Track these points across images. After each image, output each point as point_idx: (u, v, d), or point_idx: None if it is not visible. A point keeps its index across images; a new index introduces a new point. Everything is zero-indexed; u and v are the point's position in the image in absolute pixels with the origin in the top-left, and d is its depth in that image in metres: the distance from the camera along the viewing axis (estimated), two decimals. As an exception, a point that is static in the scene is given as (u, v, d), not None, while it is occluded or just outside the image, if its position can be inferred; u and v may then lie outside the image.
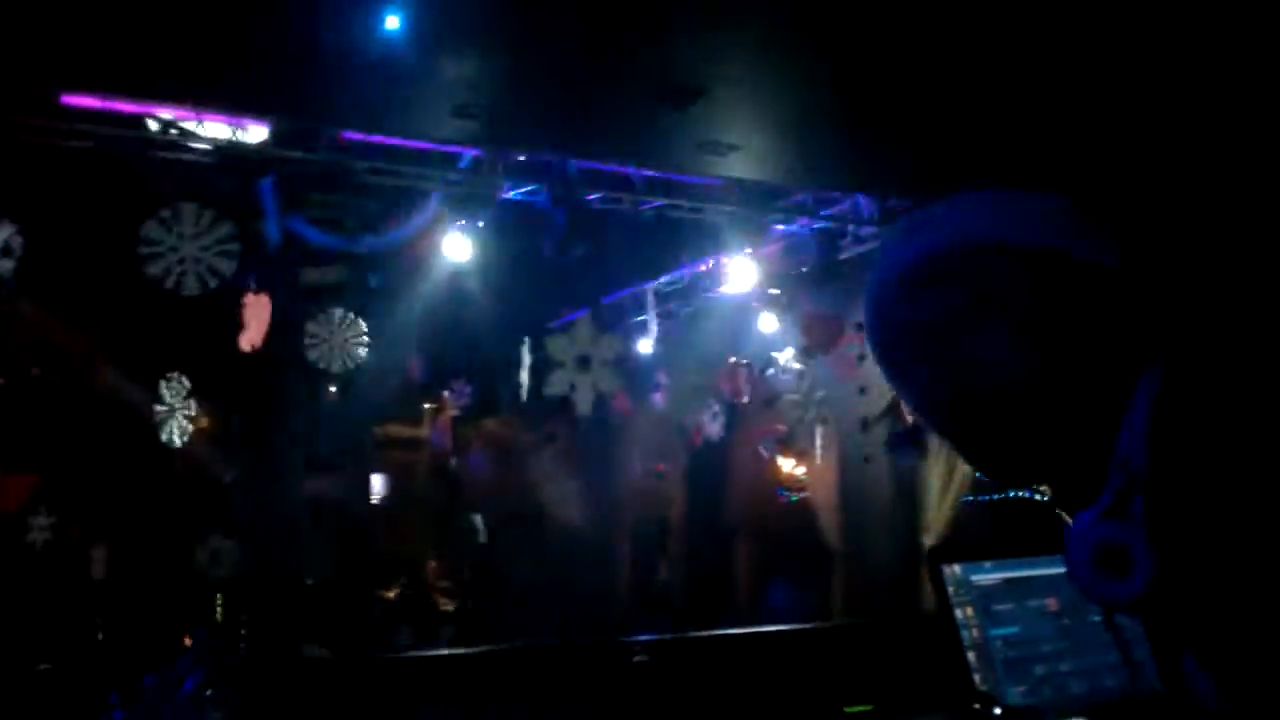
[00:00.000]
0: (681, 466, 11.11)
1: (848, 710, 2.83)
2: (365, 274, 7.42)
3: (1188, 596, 1.18)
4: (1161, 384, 1.18)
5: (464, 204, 7.19)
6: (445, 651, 6.67)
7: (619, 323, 8.89)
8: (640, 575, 11.06)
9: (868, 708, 2.84)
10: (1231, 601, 1.17)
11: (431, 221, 7.18)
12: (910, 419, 7.82)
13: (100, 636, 7.13)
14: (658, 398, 8.59)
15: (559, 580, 9.96)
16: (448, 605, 9.89)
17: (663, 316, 9.12)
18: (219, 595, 8.17)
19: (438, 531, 10.76)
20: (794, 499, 10.07)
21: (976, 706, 2.97)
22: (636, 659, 3.31)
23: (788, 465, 10.65)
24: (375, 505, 10.61)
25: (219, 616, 8.17)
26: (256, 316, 6.68)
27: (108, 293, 7.06)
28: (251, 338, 6.68)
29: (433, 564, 10.26)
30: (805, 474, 10.48)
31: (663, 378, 8.39)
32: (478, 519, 10.59)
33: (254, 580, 8.28)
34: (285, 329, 6.93)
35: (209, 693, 2.16)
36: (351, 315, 7.10)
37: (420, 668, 4.17)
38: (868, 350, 1.52)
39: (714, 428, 9.17)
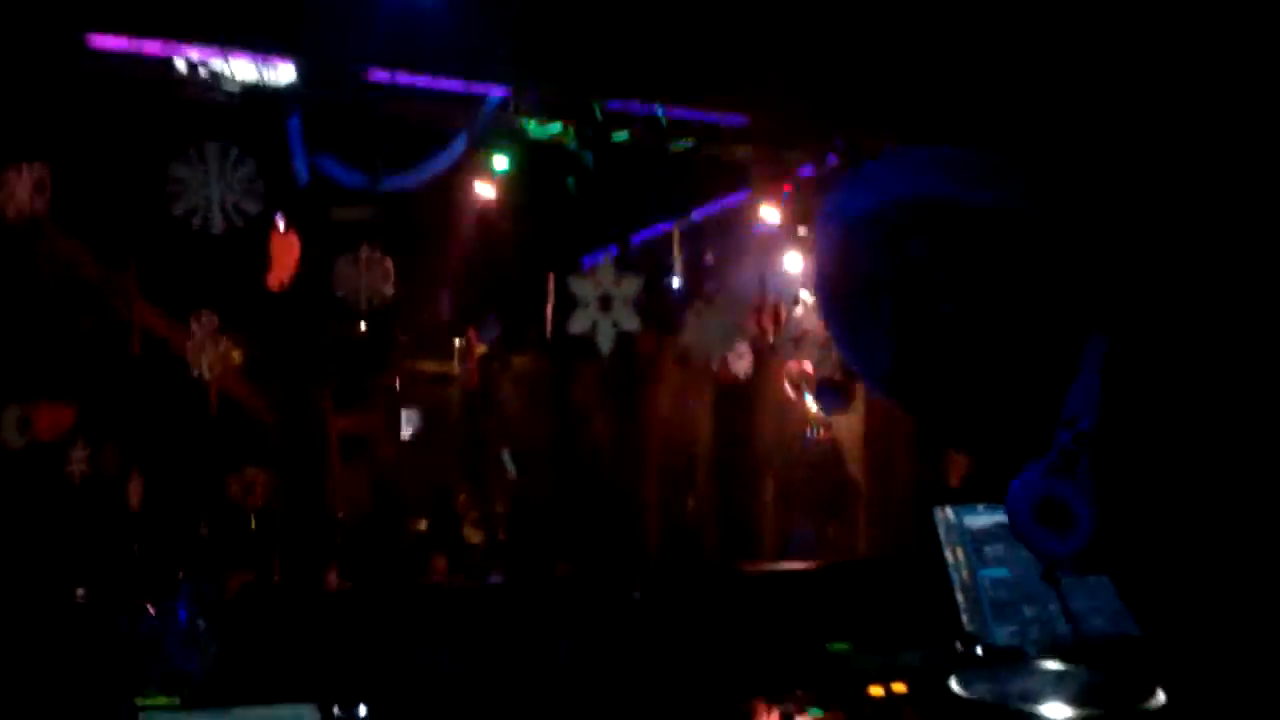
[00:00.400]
0: (709, 403, 11.18)
1: (830, 648, 2.91)
2: (393, 212, 7.46)
3: (1126, 553, 1.23)
4: (1111, 346, 1.21)
5: (491, 143, 7.22)
6: (442, 584, 6.82)
7: (645, 261, 8.89)
8: (668, 510, 11.20)
9: (848, 645, 2.92)
10: (1169, 560, 1.21)
11: (459, 160, 7.21)
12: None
13: (134, 565, 7.34)
14: (684, 335, 8.60)
15: (587, 515, 10.10)
16: (476, 538, 10.09)
17: (690, 255, 9.10)
18: (252, 521, 8.38)
19: (467, 465, 10.93)
20: (814, 434, 10.11)
21: (959, 646, 3.05)
22: (635, 594, 3.40)
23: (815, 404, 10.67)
24: (405, 440, 10.78)
25: (250, 544, 8.38)
26: (284, 254, 6.76)
27: (139, 230, 7.19)
28: (279, 275, 6.76)
29: (462, 497, 10.44)
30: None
31: (690, 316, 8.38)
32: (506, 455, 10.74)
33: (285, 512, 8.49)
34: (313, 266, 7.01)
35: (201, 624, 2.28)
36: (379, 253, 7.15)
37: (423, 599, 4.30)
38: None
39: (741, 365, 9.16)
